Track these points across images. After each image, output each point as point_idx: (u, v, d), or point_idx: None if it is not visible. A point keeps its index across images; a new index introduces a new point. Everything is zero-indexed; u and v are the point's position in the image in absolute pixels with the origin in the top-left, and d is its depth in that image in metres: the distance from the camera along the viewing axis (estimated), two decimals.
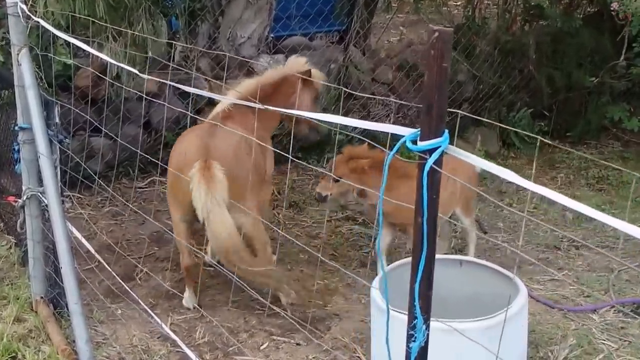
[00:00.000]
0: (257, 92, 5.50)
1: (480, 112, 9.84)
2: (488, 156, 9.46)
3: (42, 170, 4.97)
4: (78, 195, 7.76)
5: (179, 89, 8.02)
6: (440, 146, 2.66)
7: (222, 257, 5.73)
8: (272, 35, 9.85)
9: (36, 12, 5.17)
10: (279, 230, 6.74)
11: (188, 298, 6.15)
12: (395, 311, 4.81)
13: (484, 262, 5.62)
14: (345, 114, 7.50)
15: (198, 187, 5.51)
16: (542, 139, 3.44)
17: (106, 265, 5.60)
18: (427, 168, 2.65)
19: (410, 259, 5.58)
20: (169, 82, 4.92)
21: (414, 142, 2.69)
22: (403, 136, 2.73)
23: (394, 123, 9.07)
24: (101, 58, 7.09)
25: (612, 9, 8.40)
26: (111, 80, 7.01)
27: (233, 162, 5.67)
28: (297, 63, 6.84)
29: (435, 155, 2.64)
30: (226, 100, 6.11)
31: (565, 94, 9.94)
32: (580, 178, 9.23)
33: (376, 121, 8.88)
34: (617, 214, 8.00)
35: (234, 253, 5.61)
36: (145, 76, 4.89)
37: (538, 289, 6.45)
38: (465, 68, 9.52)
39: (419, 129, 2.70)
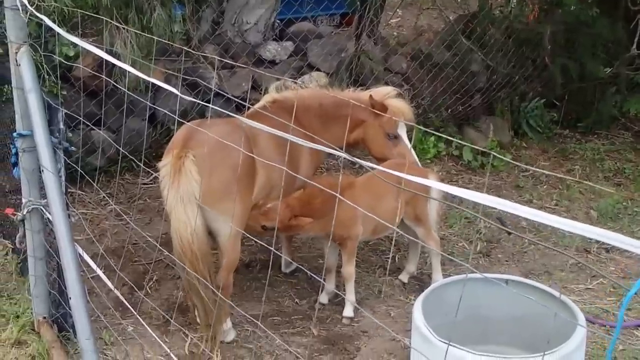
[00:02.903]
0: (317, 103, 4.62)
1: (493, 102, 9.08)
2: (500, 146, 8.73)
3: (46, 186, 4.13)
4: (79, 192, 6.91)
5: (186, 79, 7.27)
6: None
7: (177, 257, 4.76)
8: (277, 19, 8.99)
9: (34, 3, 4.25)
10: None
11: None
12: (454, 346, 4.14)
13: (529, 281, 4.91)
14: None
15: (165, 178, 4.68)
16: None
17: (109, 284, 4.74)
18: None
19: (449, 279, 4.95)
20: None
21: None
22: None
23: None
24: (104, 47, 6.38)
25: None
26: (106, 78, 6.13)
27: (214, 156, 4.66)
28: (379, 91, 5.95)
29: None
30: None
31: (578, 84, 9.15)
32: (597, 171, 8.50)
33: None
34: None
35: (190, 261, 4.64)
36: (133, 71, 3.96)
37: (575, 300, 5.68)
38: (479, 58, 8.70)
39: None
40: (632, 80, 9.16)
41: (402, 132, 5.87)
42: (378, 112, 5.48)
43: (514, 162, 2.87)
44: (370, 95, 5.67)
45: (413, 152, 5.88)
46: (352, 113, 5.48)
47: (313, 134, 5.01)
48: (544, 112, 9.41)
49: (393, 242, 6.38)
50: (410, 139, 6.08)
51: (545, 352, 3.97)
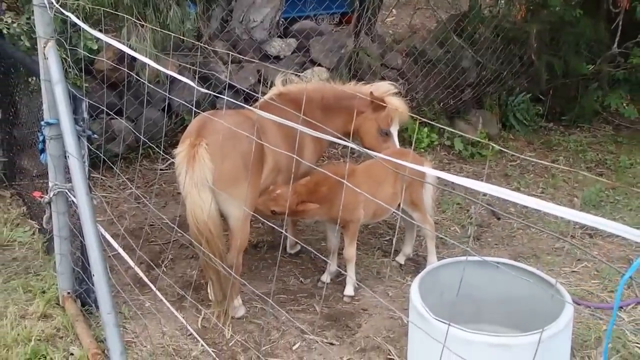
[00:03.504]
0: (320, 96, 4.59)
1: (482, 96, 9.06)
2: (489, 138, 8.73)
3: (71, 171, 4.11)
4: (100, 176, 6.90)
5: (199, 72, 7.24)
6: None
7: (193, 237, 4.78)
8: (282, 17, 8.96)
9: (59, 0, 4.22)
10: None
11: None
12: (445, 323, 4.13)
13: (521, 265, 4.88)
14: None
15: (180, 165, 4.67)
16: None
17: (130, 262, 4.71)
18: None
19: (444, 261, 4.93)
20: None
21: None
22: None
23: None
24: (124, 42, 6.35)
25: None
26: (127, 71, 6.09)
27: (225, 144, 4.66)
28: (380, 86, 5.93)
29: None
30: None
31: (562, 80, 9.14)
32: (579, 162, 8.48)
33: None
34: (621, 201, 7.31)
35: (206, 240, 4.67)
36: (155, 65, 3.92)
37: (561, 283, 5.66)
38: (470, 55, 8.68)
39: None
40: (613, 76, 9.22)
41: (394, 130, 5.87)
42: (378, 103, 5.47)
43: (507, 151, 2.86)
44: (371, 92, 5.65)
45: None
46: (352, 105, 5.45)
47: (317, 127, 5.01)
48: (530, 106, 9.40)
49: (397, 227, 6.36)
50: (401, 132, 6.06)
51: (537, 330, 3.96)
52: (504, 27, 8.84)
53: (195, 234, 4.70)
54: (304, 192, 5.11)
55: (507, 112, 9.28)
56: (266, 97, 5.72)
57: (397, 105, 5.77)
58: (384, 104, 5.66)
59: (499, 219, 6.74)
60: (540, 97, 9.49)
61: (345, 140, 3.11)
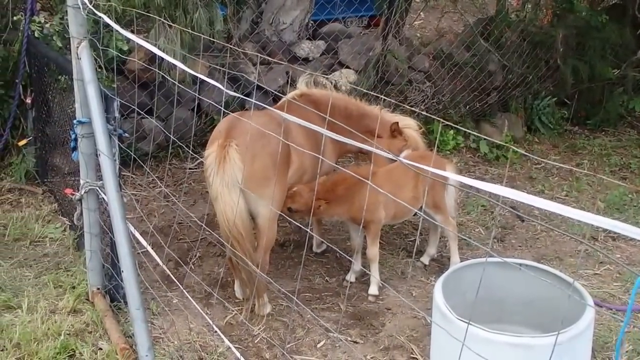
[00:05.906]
0: (343, 104, 4.61)
1: (508, 100, 8.98)
2: (514, 141, 8.66)
3: (102, 169, 4.12)
4: (130, 175, 6.93)
5: (228, 73, 7.25)
6: None
7: (224, 237, 4.81)
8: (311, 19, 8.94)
9: (92, 1, 4.22)
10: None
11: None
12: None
13: (543, 266, 4.82)
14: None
15: (211, 166, 4.65)
16: None
17: (157, 259, 4.71)
18: None
19: (468, 262, 4.88)
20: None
21: None
22: None
23: (428, 109, 8.25)
24: (155, 42, 6.37)
25: None
26: (158, 71, 6.11)
27: (255, 145, 4.64)
28: (406, 120, 6.01)
29: None
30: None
31: (587, 84, 9.04)
32: (604, 165, 8.37)
33: (411, 106, 8.02)
34: None
35: (236, 240, 4.67)
36: (182, 66, 3.90)
37: (583, 285, 5.58)
38: (496, 58, 8.61)
39: None
40: (638, 81, 9.10)
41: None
42: (396, 132, 5.68)
43: (531, 155, 2.84)
44: (396, 123, 5.76)
45: None
46: (373, 125, 5.45)
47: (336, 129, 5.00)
48: (555, 110, 9.29)
49: (419, 228, 6.32)
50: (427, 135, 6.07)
51: (558, 332, 3.91)
52: (531, 31, 8.76)
53: (226, 234, 4.70)
54: (321, 190, 5.11)
55: (532, 116, 9.20)
56: (288, 96, 5.72)
57: (414, 137, 5.88)
58: (400, 133, 5.78)
59: (522, 221, 6.68)
60: (566, 100, 9.39)
61: (369, 146, 3.10)
